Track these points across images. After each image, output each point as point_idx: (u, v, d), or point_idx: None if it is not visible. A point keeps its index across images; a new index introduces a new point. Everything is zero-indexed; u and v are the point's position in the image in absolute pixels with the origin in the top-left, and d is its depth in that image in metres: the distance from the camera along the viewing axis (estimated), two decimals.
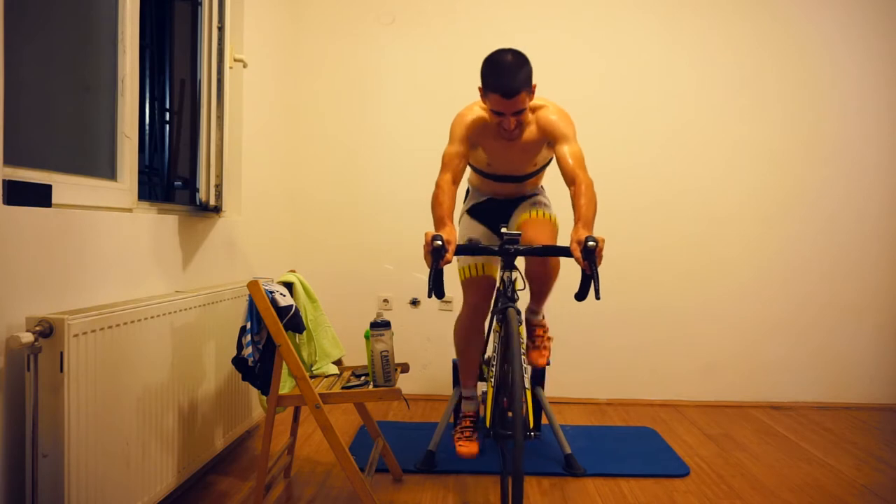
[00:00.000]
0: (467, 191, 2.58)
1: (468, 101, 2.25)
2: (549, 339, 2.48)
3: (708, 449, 2.77)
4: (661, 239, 3.48)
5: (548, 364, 2.45)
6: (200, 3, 2.43)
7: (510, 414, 1.78)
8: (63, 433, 1.46)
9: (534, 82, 2.04)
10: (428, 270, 1.87)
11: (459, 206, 2.49)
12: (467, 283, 2.37)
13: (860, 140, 3.48)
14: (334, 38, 3.48)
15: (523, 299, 2.28)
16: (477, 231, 2.45)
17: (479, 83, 2.07)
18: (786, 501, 2.25)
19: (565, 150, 2.09)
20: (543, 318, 2.52)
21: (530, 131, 2.18)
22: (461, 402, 2.50)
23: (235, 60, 2.60)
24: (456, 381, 2.73)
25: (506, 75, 1.97)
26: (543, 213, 2.37)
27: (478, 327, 2.40)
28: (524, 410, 1.84)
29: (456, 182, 2.11)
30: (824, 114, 3.47)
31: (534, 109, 2.17)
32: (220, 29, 2.43)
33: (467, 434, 2.39)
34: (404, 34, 3.47)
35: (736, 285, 3.50)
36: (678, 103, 3.47)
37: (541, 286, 2.38)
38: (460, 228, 2.50)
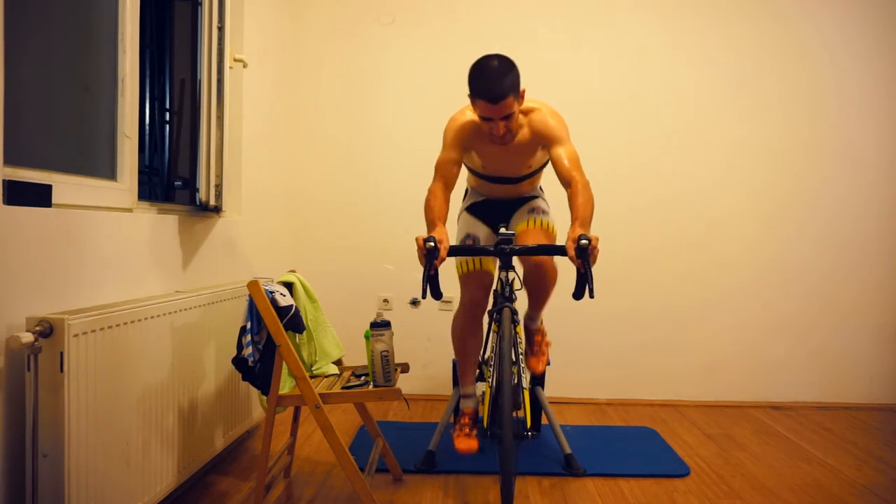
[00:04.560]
0: (466, 190, 2.58)
1: (468, 101, 2.25)
2: (547, 344, 2.48)
3: (708, 449, 2.77)
4: (661, 239, 3.48)
5: (548, 364, 2.46)
6: (200, 3, 2.43)
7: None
8: (63, 433, 1.46)
9: (522, 87, 2.04)
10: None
11: (457, 207, 2.49)
12: (465, 278, 2.36)
13: (860, 140, 3.48)
14: (334, 38, 3.48)
15: (521, 302, 2.28)
16: (476, 227, 2.45)
17: None
18: (786, 501, 2.25)
19: (560, 151, 2.09)
20: (542, 323, 2.52)
21: (523, 134, 2.18)
22: (460, 400, 2.50)
23: (235, 60, 2.60)
24: (456, 382, 2.73)
25: (492, 80, 1.96)
26: (541, 223, 2.36)
27: (475, 324, 2.38)
28: (520, 411, 1.85)
29: (448, 188, 2.13)
30: (824, 114, 3.47)
31: (526, 112, 2.16)
32: (220, 29, 2.43)
33: (466, 431, 2.38)
34: (404, 34, 3.47)
35: (736, 285, 3.50)
36: (678, 103, 3.47)
37: (538, 292, 2.38)
38: (459, 225, 2.50)
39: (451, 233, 2.23)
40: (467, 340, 2.40)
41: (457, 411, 2.52)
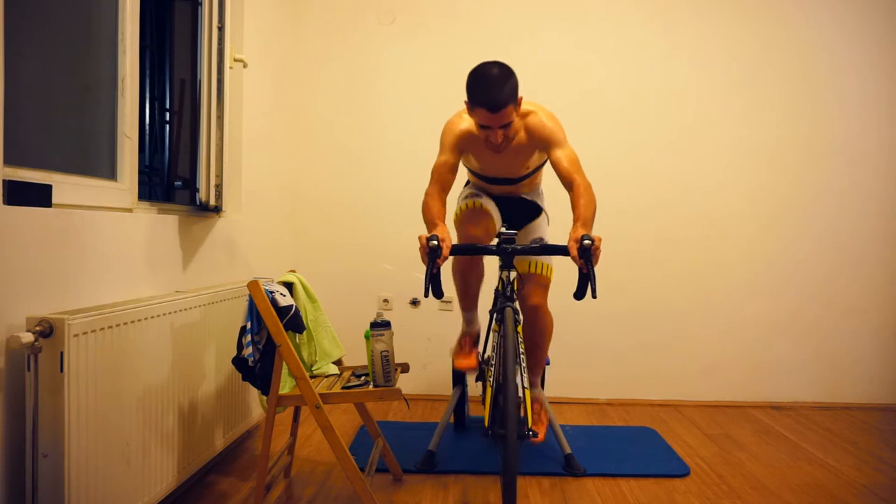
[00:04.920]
0: (467, 181, 2.58)
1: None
2: (545, 412, 2.45)
3: (708, 449, 2.77)
4: (661, 239, 3.48)
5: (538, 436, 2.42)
6: (200, 3, 2.43)
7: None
8: (63, 433, 1.46)
9: (520, 94, 2.03)
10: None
11: (452, 207, 2.49)
12: (464, 217, 2.34)
13: (860, 140, 3.48)
14: (334, 38, 3.48)
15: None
16: (481, 192, 2.44)
17: None
18: (786, 501, 2.25)
19: (559, 154, 2.09)
20: (540, 392, 2.51)
21: (519, 137, 2.17)
22: (462, 325, 2.56)
23: (235, 60, 2.60)
24: (455, 382, 2.73)
25: (492, 89, 1.95)
26: (541, 268, 2.37)
27: (474, 262, 2.41)
28: (521, 411, 1.85)
29: (445, 191, 2.13)
30: (824, 114, 3.47)
31: (522, 115, 2.15)
32: (220, 29, 2.43)
33: (466, 350, 2.46)
34: (404, 34, 3.47)
35: (736, 285, 3.50)
36: (678, 104, 3.47)
37: (533, 339, 2.38)
38: (463, 190, 2.51)
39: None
40: (468, 277, 2.45)
41: (457, 409, 2.53)
